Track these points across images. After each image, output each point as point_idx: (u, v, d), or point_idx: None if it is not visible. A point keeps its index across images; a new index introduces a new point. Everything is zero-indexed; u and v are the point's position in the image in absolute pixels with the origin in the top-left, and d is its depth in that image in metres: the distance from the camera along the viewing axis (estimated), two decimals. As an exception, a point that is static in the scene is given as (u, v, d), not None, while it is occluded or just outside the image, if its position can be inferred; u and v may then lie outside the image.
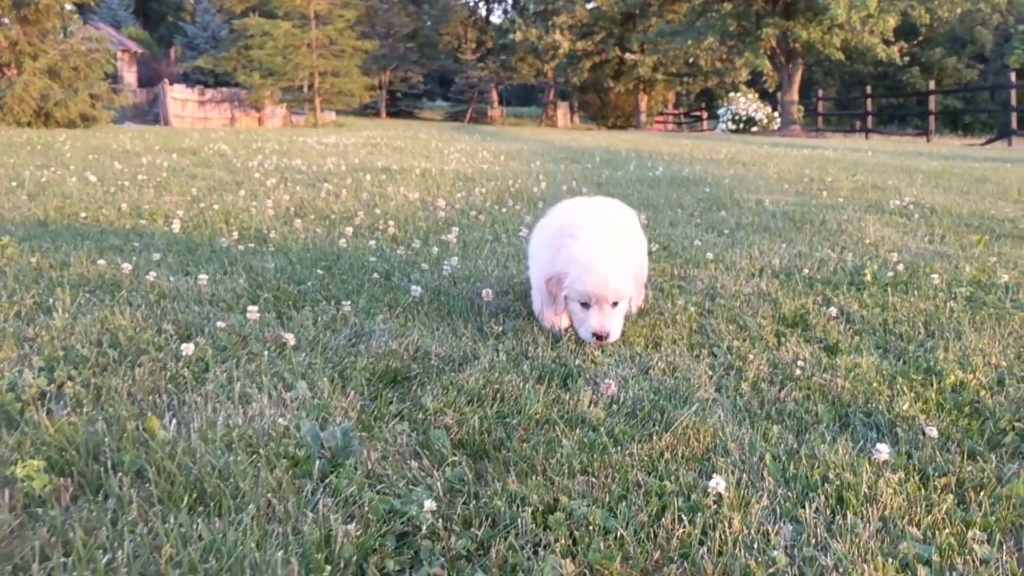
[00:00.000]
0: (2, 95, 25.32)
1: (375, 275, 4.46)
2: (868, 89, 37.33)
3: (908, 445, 2.54)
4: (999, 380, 3.15)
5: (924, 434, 2.57)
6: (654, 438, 2.52)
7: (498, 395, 2.84)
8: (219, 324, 3.43)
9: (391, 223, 6.13)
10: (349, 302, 3.86)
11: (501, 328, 3.59)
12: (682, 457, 2.42)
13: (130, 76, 45.34)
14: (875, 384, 3.03)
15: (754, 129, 41.50)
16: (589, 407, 2.75)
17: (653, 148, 19.18)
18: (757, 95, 42.03)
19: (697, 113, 54.32)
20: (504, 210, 7.34)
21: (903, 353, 3.47)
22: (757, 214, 7.47)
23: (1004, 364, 3.34)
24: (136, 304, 3.78)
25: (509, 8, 64.29)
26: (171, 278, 4.27)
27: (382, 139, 20.64)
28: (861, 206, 8.33)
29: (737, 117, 42.24)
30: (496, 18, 67.24)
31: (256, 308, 3.57)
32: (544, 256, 3.62)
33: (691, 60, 46.08)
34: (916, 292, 4.48)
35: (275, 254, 5.01)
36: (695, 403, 2.83)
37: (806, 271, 4.99)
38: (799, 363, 3.24)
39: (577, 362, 3.20)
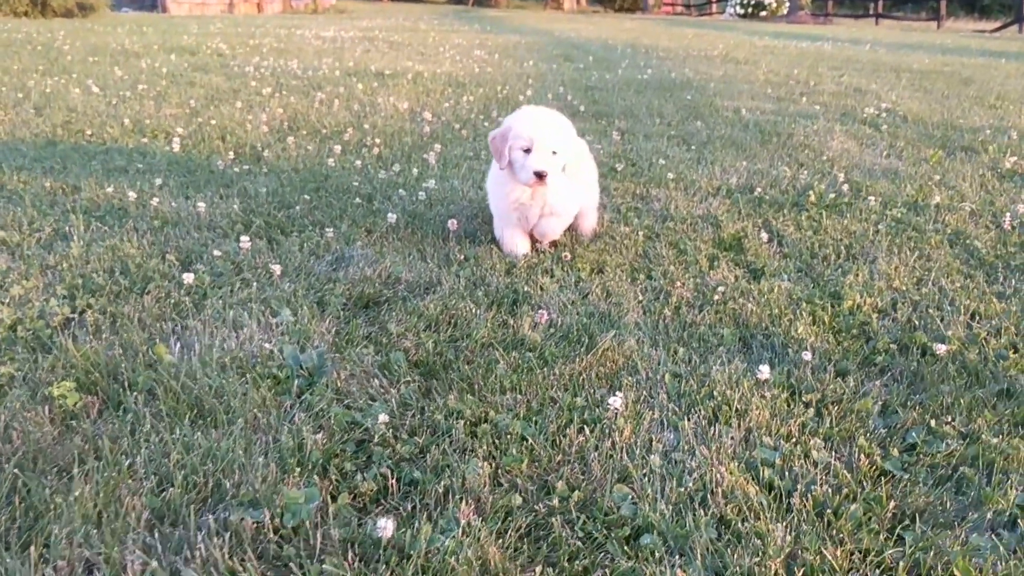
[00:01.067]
0: (-2, -16, 25.14)
1: (357, 200, 4.91)
2: (880, -29, 36.55)
3: (790, 365, 3.05)
4: (892, 304, 3.63)
5: (804, 357, 3.07)
6: (577, 360, 3.02)
7: (453, 320, 3.33)
8: (215, 252, 3.90)
9: (378, 140, 6.52)
10: (332, 229, 4.32)
11: (464, 255, 4.05)
12: (596, 376, 2.92)
13: (126, -41, 44.46)
14: (781, 308, 3.52)
15: (763, 14, 40.82)
16: (528, 331, 3.24)
17: (651, 42, 19.19)
18: (767, -21, 41.16)
19: (706, -2, 53.21)
20: (488, 123, 7.70)
21: (818, 278, 3.94)
22: (732, 124, 7.82)
23: (903, 288, 3.81)
24: (142, 231, 4.25)
25: None
26: (173, 203, 4.73)
27: (380, 32, 20.64)
28: (835, 114, 8.65)
29: (745, 2, 41.50)
30: None
31: (248, 238, 4.04)
32: (498, 182, 4.06)
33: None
34: (851, 215, 4.92)
35: (268, 175, 5.45)
36: (620, 327, 3.33)
37: (759, 190, 5.41)
38: (721, 288, 3.72)
39: (526, 289, 3.68)
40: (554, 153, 3.83)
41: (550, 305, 3.52)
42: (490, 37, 19.80)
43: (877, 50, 18.14)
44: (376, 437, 2.49)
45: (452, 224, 4.27)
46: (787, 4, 40.56)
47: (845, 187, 5.45)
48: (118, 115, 7.33)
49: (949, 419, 2.69)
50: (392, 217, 4.45)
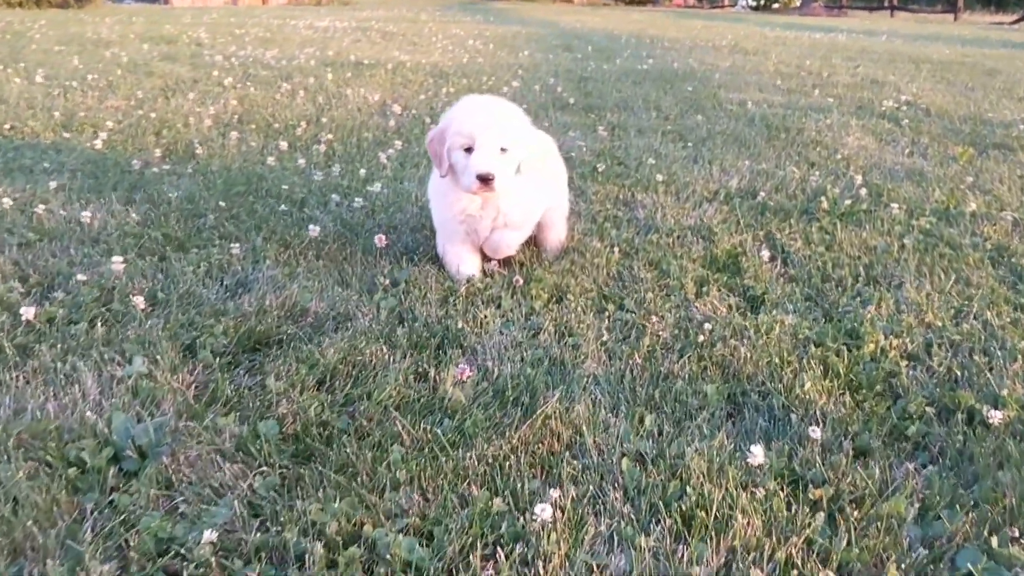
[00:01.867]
0: (-12, -27, 24.46)
1: (283, 207, 4.15)
2: (895, -38, 35.60)
3: (792, 441, 2.27)
4: (926, 346, 2.84)
5: (811, 433, 2.29)
6: (508, 433, 2.26)
7: (356, 371, 2.57)
8: (80, 277, 3.15)
9: (331, 136, 5.76)
10: (239, 244, 3.56)
11: (391, 279, 3.29)
12: (530, 461, 2.15)
13: (130, -50, 43.82)
14: (783, 354, 2.74)
15: (775, 6, 39.88)
16: (451, 388, 2.48)
17: (657, 32, 18.36)
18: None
19: (719, -10, 52.19)
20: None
21: (831, 309, 3.16)
22: (735, 118, 7.02)
23: (939, 323, 3.02)
24: (10, 245, 3.50)
25: None
26: (62, 211, 3.98)
27: (377, 22, 19.87)
28: (850, 107, 7.84)
29: (758, -5, 40.62)
30: None
31: (121, 258, 3.29)
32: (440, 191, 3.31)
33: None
34: (871, 225, 4.13)
35: (192, 176, 4.70)
36: (573, 381, 2.56)
37: (762, 195, 4.63)
38: (708, 325, 2.94)
39: (460, 325, 2.91)
40: (503, 151, 3.08)
41: (489, 348, 2.75)
42: (490, 28, 19.01)
43: (893, 41, 17.26)
44: (188, 570, 1.73)
45: (380, 240, 3.50)
46: (800, -3, 39.57)
47: (863, 191, 4.65)
48: (53, 107, 6.59)
49: (1016, 533, 1.90)
50: (314, 230, 3.69)
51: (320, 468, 2.08)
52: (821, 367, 2.66)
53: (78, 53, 10.36)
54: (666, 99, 8.01)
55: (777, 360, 2.70)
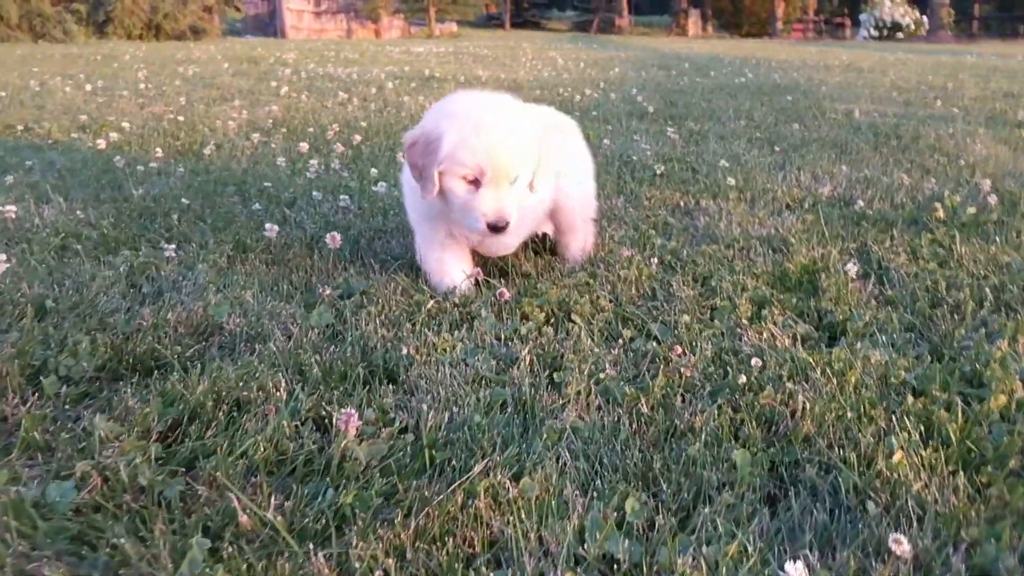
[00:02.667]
0: (112, 8, 25.35)
1: (257, 205, 3.46)
2: (1034, -14, 33.39)
3: (865, 552, 1.38)
4: (1086, 401, 1.89)
5: (896, 548, 1.39)
6: (412, 515, 1.45)
7: (228, 412, 1.80)
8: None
9: (359, 137, 5.08)
10: (174, 246, 2.87)
11: (344, 290, 2.53)
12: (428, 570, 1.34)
13: (252, -12, 45.29)
14: (864, 405, 1.84)
15: (899, 36, 38.02)
16: (352, 440, 1.69)
17: (766, 55, 17.29)
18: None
19: (839, 20, 50.32)
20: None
21: (943, 342, 2.23)
22: (836, 127, 6.04)
23: (1104, 369, 2.06)
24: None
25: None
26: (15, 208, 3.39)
27: (475, 48, 19.45)
28: (979, 117, 6.72)
29: (881, 23, 38.79)
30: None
31: (6, 257, 2.63)
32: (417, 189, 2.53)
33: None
34: (1001, 238, 3.15)
35: (180, 176, 4.07)
36: (535, 437, 1.73)
37: (860, 203, 3.69)
38: (757, 360, 2.06)
39: (405, 352, 2.12)
40: (514, 181, 2.37)
41: (435, 385, 1.95)
42: (591, 53, 18.30)
43: (1031, 61, 15.73)
44: None
45: (333, 240, 2.74)
46: (926, 24, 37.59)
47: (992, 199, 3.65)
48: (83, 111, 6.15)
49: None
50: (272, 229, 2.96)
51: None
52: (921, 428, 1.76)
53: (149, 68, 10.13)
54: (761, 109, 7.06)
55: (853, 415, 1.80)
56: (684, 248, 3.04)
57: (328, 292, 2.44)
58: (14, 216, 3.19)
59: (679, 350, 2.13)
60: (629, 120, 6.23)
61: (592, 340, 2.23)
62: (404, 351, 2.10)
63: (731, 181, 4.05)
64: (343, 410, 1.70)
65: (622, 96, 7.86)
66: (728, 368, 2.05)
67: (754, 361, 2.05)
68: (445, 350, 2.13)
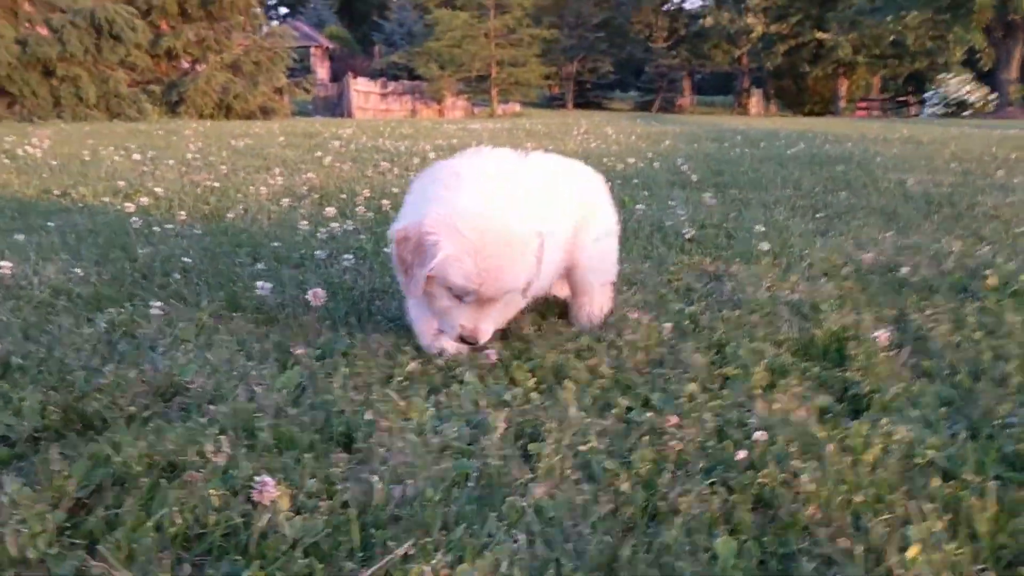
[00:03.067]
0: (185, 89, 26.23)
1: (260, 265, 3.34)
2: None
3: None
4: None
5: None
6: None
7: (162, 479, 1.62)
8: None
9: (386, 202, 4.97)
10: (160, 304, 2.74)
11: (323, 350, 2.36)
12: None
13: (322, 71, 46.78)
14: (884, 489, 1.58)
15: (966, 113, 37.43)
16: (293, 514, 1.49)
17: (823, 129, 17.03)
18: (971, 76, 37.79)
19: (904, 98, 49.78)
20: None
21: (984, 420, 1.95)
22: (887, 195, 5.75)
23: None
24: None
25: (704, -7, 61.42)
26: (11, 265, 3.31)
27: (530, 124, 19.59)
28: (1044, 187, 6.38)
29: (947, 100, 38.29)
30: (689, 4, 64.54)
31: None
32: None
33: (895, 40, 42.03)
34: (1060, 307, 2.85)
35: (198, 237, 3.99)
36: (497, 515, 1.51)
37: (905, 270, 3.41)
38: (760, 432, 1.81)
39: (369, 417, 1.92)
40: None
41: (393, 454, 1.75)
42: (646, 128, 18.25)
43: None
44: None
45: (315, 296, 2.58)
46: (994, 100, 36.94)
47: (1051, 267, 3.34)
48: (121, 178, 6.19)
49: None
50: (264, 288, 2.82)
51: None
52: (947, 518, 1.49)
53: (204, 140, 10.31)
54: (809, 178, 6.82)
55: (864, 499, 1.54)
56: (704, 313, 2.81)
57: (302, 351, 2.27)
58: (9, 273, 3.11)
59: (674, 420, 1.89)
60: (670, 188, 6.05)
61: (581, 409, 2.00)
62: (369, 416, 1.90)
63: (765, 246, 3.81)
64: (258, 479, 1.50)
65: (667, 166, 7.69)
66: (728, 440, 1.81)
67: (758, 435, 1.81)
68: (414, 416, 1.93)
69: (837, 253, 3.80)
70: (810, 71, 50.67)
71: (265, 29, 29.88)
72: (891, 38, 42.06)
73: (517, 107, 43.48)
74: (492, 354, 2.24)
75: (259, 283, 2.82)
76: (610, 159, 8.27)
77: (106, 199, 5.18)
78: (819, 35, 46.64)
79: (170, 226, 4.17)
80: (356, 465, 1.72)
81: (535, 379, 2.18)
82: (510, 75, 41.75)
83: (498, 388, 2.11)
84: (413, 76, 44.43)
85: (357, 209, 4.74)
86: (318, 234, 4.01)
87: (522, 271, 2.18)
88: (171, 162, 7.55)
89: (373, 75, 43.81)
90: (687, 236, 4.04)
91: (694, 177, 6.75)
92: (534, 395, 2.08)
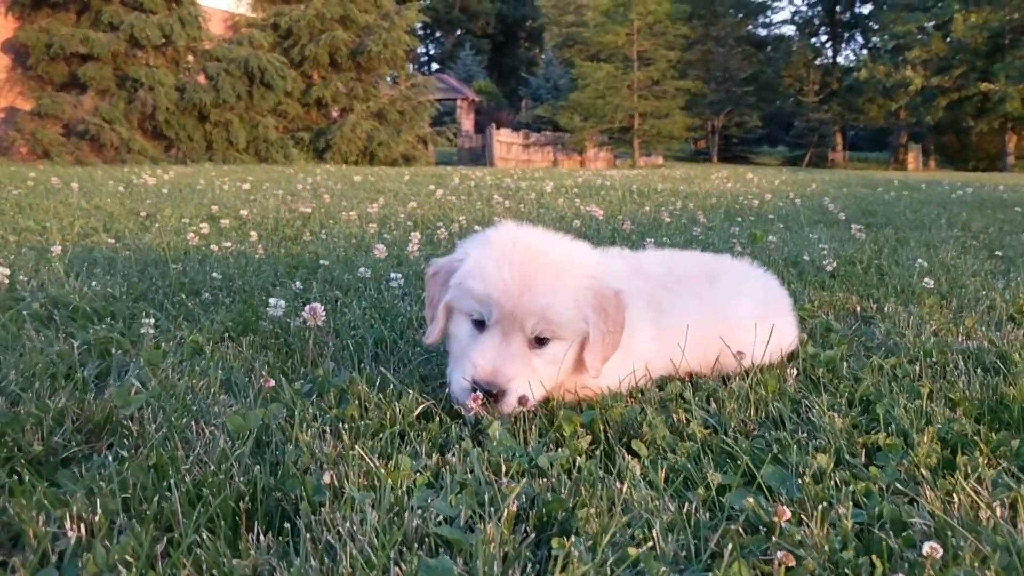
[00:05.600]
0: (332, 136, 26.87)
1: (298, 284, 2.82)
2: None
3: None
4: None
5: None
6: None
7: (44, 538, 1.07)
8: None
9: (478, 227, 4.42)
10: (153, 319, 2.23)
11: (314, 384, 1.78)
12: None
13: (467, 123, 47.46)
14: None
15: None
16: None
17: (993, 181, 15.57)
18: None
19: (1081, 153, 46.18)
20: (690, 229, 5.30)
21: None
22: (1083, 238, 4.79)
23: None
24: None
25: (858, 48, 59.18)
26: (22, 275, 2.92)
27: (669, 172, 18.87)
28: None
29: None
30: (843, 59, 62.35)
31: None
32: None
33: (1072, 89, 39.05)
34: None
35: (261, 257, 3.53)
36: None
37: (1124, 319, 2.57)
38: (934, 544, 1.10)
39: (327, 480, 1.31)
40: (539, 341, 1.68)
41: (340, 539, 1.13)
42: (793, 176, 17.24)
43: None
44: None
45: (311, 313, 2.00)
46: None
47: None
48: (218, 202, 5.92)
49: None
50: (278, 306, 2.27)
51: None
52: None
53: (320, 176, 10.14)
54: (979, 219, 5.86)
55: None
56: (846, 360, 2.08)
57: (271, 384, 1.69)
58: (6, 282, 2.70)
59: (787, 514, 1.20)
60: (813, 226, 5.26)
61: (650, 486, 1.34)
62: (325, 478, 1.30)
63: (929, 282, 3.02)
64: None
65: (811, 204, 6.86)
66: (877, 555, 1.10)
67: (929, 548, 1.10)
68: (392, 482, 1.31)
69: (1022, 297, 2.96)
70: (974, 125, 47.64)
71: (412, 81, 30.45)
72: (1068, 87, 39.15)
73: (660, 159, 42.77)
74: (529, 398, 1.60)
75: (272, 300, 2.27)
76: (745, 198, 7.49)
77: (186, 220, 4.85)
78: (985, 86, 43.94)
79: (229, 245, 3.73)
80: (283, 556, 1.12)
81: (590, 438, 1.53)
82: (652, 127, 41.09)
83: (535, 449, 1.47)
84: (556, 128, 44.49)
85: (439, 235, 4.20)
86: (382, 259, 3.48)
87: (563, 295, 1.61)
88: (279, 192, 7.28)
89: (517, 127, 44.15)
90: (830, 270, 3.29)
91: (842, 215, 5.91)
92: (585, 463, 1.43)
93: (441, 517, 1.21)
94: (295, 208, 5.85)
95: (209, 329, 2.24)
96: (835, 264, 3.36)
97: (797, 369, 1.96)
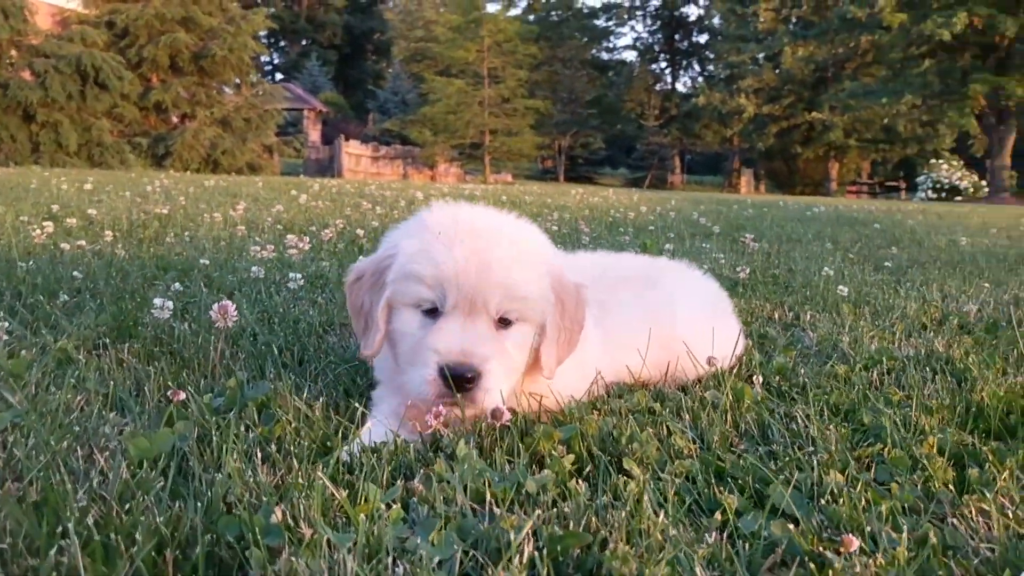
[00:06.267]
0: (173, 142, 25.50)
1: (179, 285, 2.47)
2: (1101, 151, 32.60)
3: None
4: None
5: None
6: None
7: None
8: None
9: (360, 231, 4.14)
10: (6, 324, 1.86)
11: (223, 398, 1.49)
12: None
13: (314, 133, 46.31)
14: None
15: (958, 199, 37.24)
16: None
17: (830, 203, 16.46)
18: (962, 163, 37.63)
19: (894, 183, 49.74)
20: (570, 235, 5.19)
21: None
22: (946, 252, 4.97)
23: None
24: None
25: (695, 75, 61.78)
26: None
27: (524, 188, 18.95)
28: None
29: (939, 185, 38.12)
30: (681, 85, 64.94)
31: None
32: None
33: (888, 124, 42.02)
34: None
35: (121, 258, 3.13)
36: None
37: (1033, 325, 2.58)
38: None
39: (280, 518, 1.04)
40: (503, 322, 1.46)
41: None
42: (644, 196, 17.63)
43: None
44: None
45: (221, 311, 1.70)
46: (986, 188, 36.78)
47: None
48: (60, 203, 5.35)
49: None
50: (164, 307, 1.94)
51: None
52: None
53: (169, 180, 9.52)
54: (846, 233, 6.04)
55: None
56: (798, 367, 1.96)
57: (181, 397, 1.39)
58: None
59: (854, 544, 1.01)
60: (692, 239, 5.24)
61: (664, 513, 1.13)
62: (274, 516, 1.02)
63: (843, 290, 2.98)
64: None
65: (683, 219, 6.92)
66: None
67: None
68: (361, 518, 1.04)
69: (931, 304, 2.97)
70: (801, 152, 50.57)
71: (258, 89, 29.45)
72: (883, 122, 42.10)
73: (509, 177, 43.08)
74: (504, 411, 1.37)
75: (157, 300, 1.94)
76: (617, 211, 7.49)
77: (24, 218, 4.31)
78: (812, 116, 46.69)
79: (84, 244, 3.30)
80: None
81: (573, 457, 1.31)
82: (503, 144, 41.43)
83: (515, 471, 1.24)
84: (406, 142, 44.07)
85: (325, 235, 3.89)
86: (269, 259, 3.15)
87: (527, 270, 1.44)
88: (127, 194, 6.71)
89: (365, 139, 43.47)
90: (742, 278, 3.20)
91: (716, 229, 5.96)
92: (576, 484, 1.20)
93: (435, 562, 0.96)
94: (149, 209, 5.36)
95: (78, 335, 1.88)
96: (748, 275, 3.28)
97: (758, 375, 1.81)
